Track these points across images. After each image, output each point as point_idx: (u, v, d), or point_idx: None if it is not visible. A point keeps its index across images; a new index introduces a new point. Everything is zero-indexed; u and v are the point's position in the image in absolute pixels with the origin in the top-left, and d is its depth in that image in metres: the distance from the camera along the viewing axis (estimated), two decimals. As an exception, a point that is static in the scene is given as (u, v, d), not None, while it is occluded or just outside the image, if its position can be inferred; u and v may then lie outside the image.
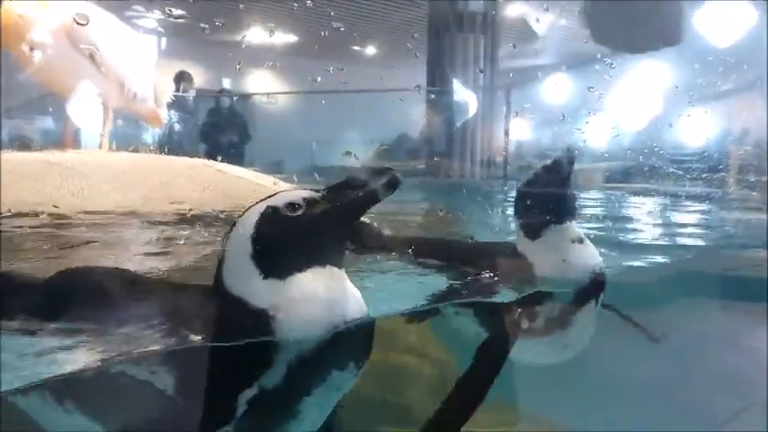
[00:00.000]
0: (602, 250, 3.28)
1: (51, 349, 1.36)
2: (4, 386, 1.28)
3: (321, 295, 1.33)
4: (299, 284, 1.32)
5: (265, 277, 1.32)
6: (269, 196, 1.41)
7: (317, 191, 1.39)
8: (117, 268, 1.79)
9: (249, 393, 1.29)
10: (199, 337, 1.32)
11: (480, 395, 1.90)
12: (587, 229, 3.84)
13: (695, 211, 5.12)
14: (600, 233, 3.77)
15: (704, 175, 5.19)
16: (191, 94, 7.37)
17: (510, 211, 2.42)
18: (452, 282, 2.12)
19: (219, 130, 7.66)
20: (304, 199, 1.37)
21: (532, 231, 2.11)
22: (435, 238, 2.74)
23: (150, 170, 3.53)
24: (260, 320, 1.30)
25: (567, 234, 2.10)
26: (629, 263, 3.13)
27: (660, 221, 4.90)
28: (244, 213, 1.38)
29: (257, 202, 1.39)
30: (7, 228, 2.43)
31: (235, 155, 7.52)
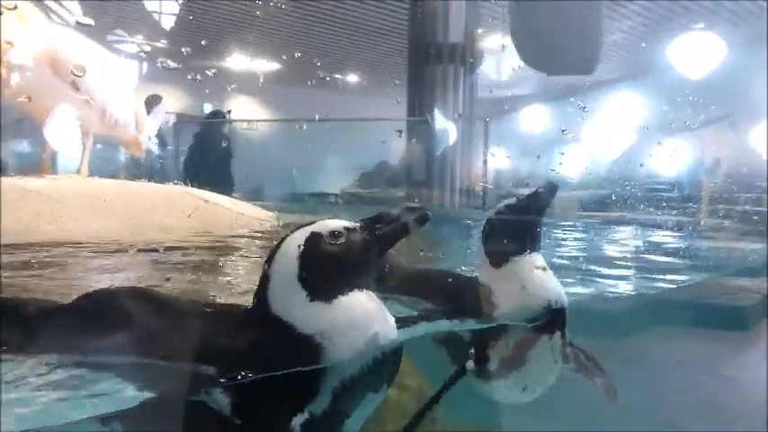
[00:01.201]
0: (577, 278, 3.32)
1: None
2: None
3: (364, 320, 1.42)
4: (343, 308, 1.41)
5: (312, 300, 1.40)
6: (309, 223, 1.51)
7: (354, 222, 1.51)
8: (143, 289, 1.81)
9: (300, 418, 1.36)
10: (247, 366, 1.38)
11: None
12: (560, 258, 3.90)
13: (669, 240, 5.21)
14: (574, 262, 3.82)
15: (677, 205, 5.31)
16: (169, 119, 7.36)
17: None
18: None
19: (208, 154, 7.64)
20: (345, 228, 1.47)
21: (498, 259, 2.09)
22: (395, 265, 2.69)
23: (130, 197, 3.50)
24: (307, 346, 1.38)
25: (530, 263, 2.07)
26: (605, 291, 3.16)
27: (635, 250, 4.97)
28: (284, 240, 1.48)
29: (296, 229, 1.50)
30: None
31: (223, 180, 7.50)
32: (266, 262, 1.48)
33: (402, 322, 1.68)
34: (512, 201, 2.15)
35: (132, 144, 4.69)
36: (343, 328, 1.39)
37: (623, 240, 5.43)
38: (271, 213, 4.20)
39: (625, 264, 4.13)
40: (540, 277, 2.04)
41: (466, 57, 8.65)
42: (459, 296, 2.13)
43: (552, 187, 2.12)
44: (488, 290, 2.05)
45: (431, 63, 8.50)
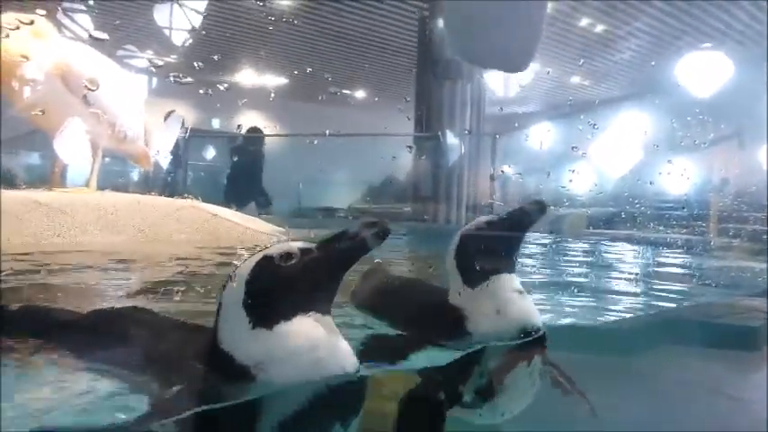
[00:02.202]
0: (583, 296, 3.30)
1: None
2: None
3: (304, 351, 1.33)
4: (284, 337, 1.33)
5: (254, 327, 1.34)
6: (266, 248, 1.44)
7: (313, 242, 1.43)
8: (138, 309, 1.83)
9: None
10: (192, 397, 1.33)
11: None
12: (568, 276, 3.87)
13: (678, 259, 5.18)
14: (582, 280, 3.80)
15: (686, 224, 5.28)
16: (185, 134, 7.41)
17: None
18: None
19: (251, 171, 7.67)
20: (299, 249, 1.40)
21: (474, 279, 1.94)
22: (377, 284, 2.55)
23: (138, 211, 3.52)
24: (242, 375, 1.30)
25: (507, 285, 1.94)
26: (611, 309, 3.14)
27: (642, 268, 4.94)
28: (240, 265, 1.41)
29: (255, 253, 1.43)
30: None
31: (262, 195, 7.54)
32: (221, 288, 1.42)
33: (377, 356, 1.64)
34: (492, 217, 2.02)
35: (141, 158, 4.73)
36: (281, 357, 1.32)
37: (631, 258, 5.40)
38: (279, 228, 4.21)
39: (632, 282, 4.11)
40: (517, 299, 1.91)
41: (474, 74, 8.69)
42: (435, 319, 1.99)
43: (541, 205, 1.98)
44: (460, 314, 1.91)
45: (439, 80, 8.54)
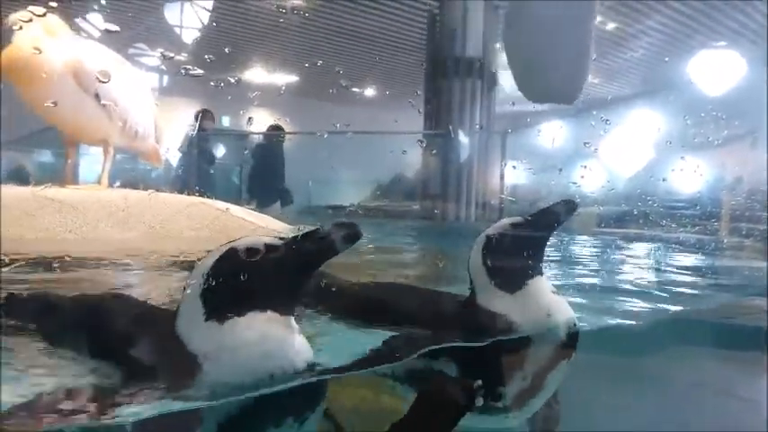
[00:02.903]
0: (594, 297, 3.28)
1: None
2: None
3: (251, 344, 1.31)
4: (232, 330, 1.31)
5: (207, 319, 1.33)
6: (236, 239, 1.42)
7: (281, 238, 1.40)
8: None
9: None
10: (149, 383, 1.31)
11: None
12: (578, 276, 3.86)
13: (689, 258, 5.15)
14: (592, 280, 3.79)
15: (698, 223, 5.24)
16: (210, 131, 7.48)
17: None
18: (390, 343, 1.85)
19: (267, 168, 7.72)
20: (265, 245, 1.37)
21: (511, 283, 1.89)
22: (386, 285, 2.40)
23: (149, 207, 3.54)
24: (190, 363, 1.29)
25: (546, 285, 1.91)
26: (622, 309, 3.12)
27: (653, 268, 4.92)
28: (207, 254, 1.41)
29: (224, 244, 1.41)
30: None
31: (278, 194, 7.58)
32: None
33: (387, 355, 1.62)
34: (517, 219, 1.96)
35: (152, 155, 4.74)
36: (226, 348, 1.30)
37: (641, 258, 5.37)
38: (288, 225, 4.22)
39: (643, 282, 4.09)
40: (558, 300, 1.90)
41: (484, 70, 8.67)
42: (452, 322, 1.93)
43: (571, 204, 1.93)
44: (504, 319, 1.85)
45: (449, 76, 8.52)
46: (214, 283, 1.35)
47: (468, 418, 1.84)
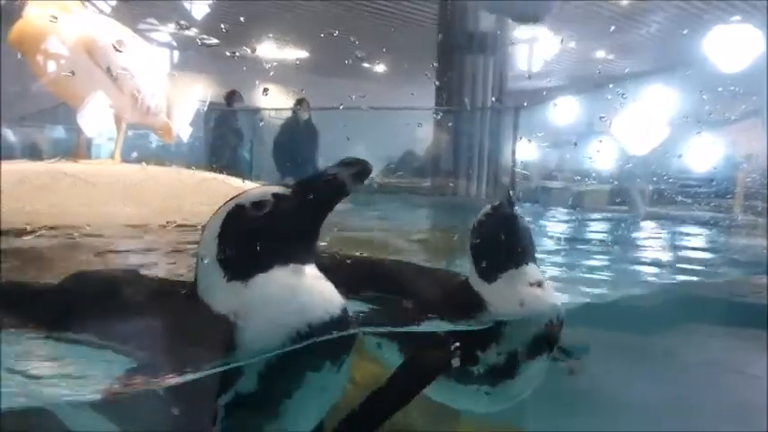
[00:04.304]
0: (605, 274, 3.29)
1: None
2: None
3: (282, 300, 1.28)
4: (261, 288, 1.28)
5: (229, 280, 1.30)
6: (239, 194, 1.37)
7: (287, 186, 1.35)
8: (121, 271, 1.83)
9: (226, 398, 1.28)
10: (176, 348, 1.29)
11: (382, 418, 1.74)
12: (588, 253, 3.85)
13: (701, 236, 5.13)
14: (603, 257, 3.79)
15: (711, 201, 5.21)
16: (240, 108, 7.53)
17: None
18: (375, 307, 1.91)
19: (293, 145, 7.73)
20: (273, 195, 1.32)
21: (488, 274, 1.91)
22: (375, 260, 2.42)
23: (162, 183, 3.56)
24: (222, 323, 1.26)
25: (525, 277, 1.91)
26: (634, 286, 3.13)
27: (666, 245, 4.90)
28: (213, 215, 1.36)
29: (227, 201, 1.36)
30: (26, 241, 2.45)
31: (306, 170, 7.58)
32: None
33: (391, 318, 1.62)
34: (488, 209, 1.95)
35: (164, 130, 4.75)
36: (257, 307, 1.26)
37: (653, 235, 5.35)
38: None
39: (655, 259, 4.08)
40: (538, 292, 1.89)
41: (496, 46, 8.57)
42: (451, 299, 1.97)
43: (509, 198, 1.92)
44: (482, 301, 1.89)
45: (460, 52, 8.44)
46: (228, 243, 1.31)
47: (445, 388, 1.92)
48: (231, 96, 7.44)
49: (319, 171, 1.35)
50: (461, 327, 1.89)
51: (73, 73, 3.88)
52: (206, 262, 1.32)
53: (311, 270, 1.34)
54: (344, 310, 1.36)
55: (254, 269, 1.29)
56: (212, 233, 1.32)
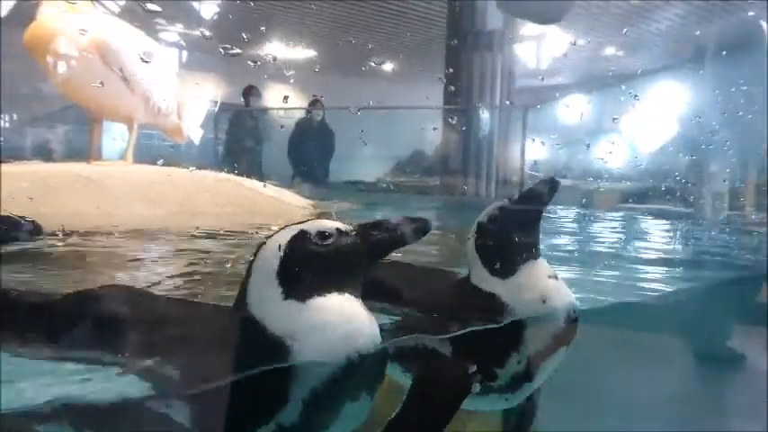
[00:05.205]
0: (616, 273, 3.27)
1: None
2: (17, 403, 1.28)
3: (338, 324, 1.35)
4: (318, 310, 1.35)
5: (286, 298, 1.35)
6: (303, 222, 1.46)
7: (349, 225, 1.46)
8: (130, 288, 1.80)
9: (266, 430, 1.31)
10: (215, 365, 1.32)
11: None
12: (598, 252, 3.84)
13: (712, 234, 5.10)
14: (612, 255, 3.77)
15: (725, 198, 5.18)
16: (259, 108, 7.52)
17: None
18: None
19: (308, 145, 7.72)
20: (337, 230, 1.41)
21: (503, 269, 1.85)
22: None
23: (174, 184, 3.57)
24: (276, 345, 1.31)
25: (543, 270, 1.86)
26: (646, 285, 3.12)
27: (678, 244, 4.88)
28: (273, 235, 1.43)
29: (289, 226, 1.45)
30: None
31: (320, 170, 7.59)
32: (252, 257, 1.44)
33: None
34: (504, 202, 1.90)
35: (175, 131, 4.78)
36: (313, 328, 1.33)
37: (664, 234, 5.33)
38: (309, 201, 4.24)
39: (665, 258, 4.07)
40: (556, 285, 1.85)
41: (505, 44, 8.54)
42: (456, 302, 1.91)
43: (552, 183, 1.87)
44: (499, 303, 1.82)
45: (469, 50, 8.42)
46: (291, 264, 1.37)
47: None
48: (249, 92, 7.41)
49: (382, 220, 1.48)
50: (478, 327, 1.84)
51: (83, 76, 3.90)
52: (260, 277, 1.40)
53: (360, 304, 1.42)
54: (382, 344, 1.43)
55: (313, 291, 1.36)
56: (274, 250, 1.40)
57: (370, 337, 1.38)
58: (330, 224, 1.43)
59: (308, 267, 1.38)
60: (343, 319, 1.35)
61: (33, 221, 1.67)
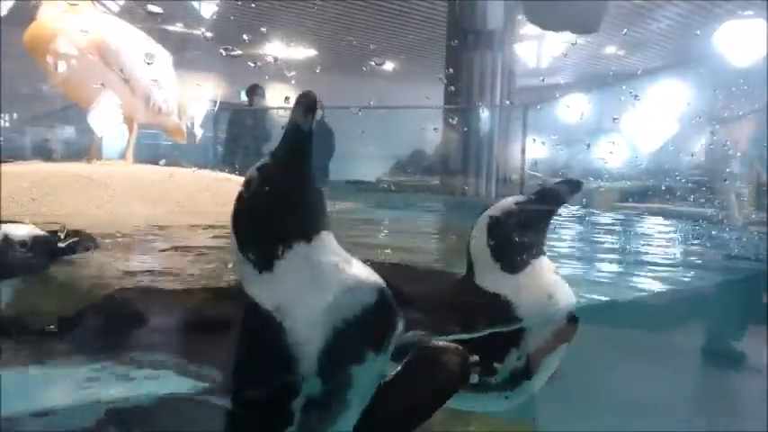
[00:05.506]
0: (618, 272, 3.27)
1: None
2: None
3: (311, 288, 1.25)
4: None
5: (260, 272, 1.26)
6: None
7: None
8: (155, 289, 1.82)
9: (299, 401, 1.27)
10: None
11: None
12: (601, 251, 3.84)
13: (714, 233, 5.10)
14: (616, 254, 3.77)
15: (726, 197, 5.17)
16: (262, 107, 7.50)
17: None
18: None
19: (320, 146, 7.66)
20: (256, 169, 1.28)
21: (516, 264, 1.85)
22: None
23: (175, 183, 3.57)
24: (272, 326, 1.23)
25: (549, 266, 1.86)
26: (647, 284, 3.12)
27: (678, 242, 4.88)
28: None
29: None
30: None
31: (320, 170, 7.54)
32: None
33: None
34: (521, 198, 1.91)
35: (175, 131, 4.77)
36: (294, 297, 1.23)
37: (665, 233, 5.33)
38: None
39: (667, 257, 4.07)
40: (560, 282, 1.85)
41: (505, 44, 8.55)
42: (458, 303, 1.89)
43: (575, 184, 1.87)
44: (504, 300, 1.82)
45: (469, 50, 8.42)
46: (242, 232, 1.29)
47: (460, 397, 1.81)
48: (253, 90, 7.38)
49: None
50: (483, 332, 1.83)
51: (83, 76, 3.90)
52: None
53: (327, 251, 1.29)
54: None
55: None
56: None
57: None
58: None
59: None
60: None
61: (90, 235, 1.83)
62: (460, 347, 1.71)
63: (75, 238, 1.88)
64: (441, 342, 1.80)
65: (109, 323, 1.51)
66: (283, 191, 1.25)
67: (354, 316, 1.27)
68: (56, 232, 1.88)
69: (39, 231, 1.79)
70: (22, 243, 1.74)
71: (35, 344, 1.48)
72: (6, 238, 1.72)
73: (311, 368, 1.27)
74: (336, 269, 1.27)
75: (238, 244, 1.28)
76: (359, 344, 1.30)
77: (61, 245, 1.85)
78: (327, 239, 1.29)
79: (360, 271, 1.31)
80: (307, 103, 1.23)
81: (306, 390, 1.28)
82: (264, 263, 1.25)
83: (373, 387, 1.38)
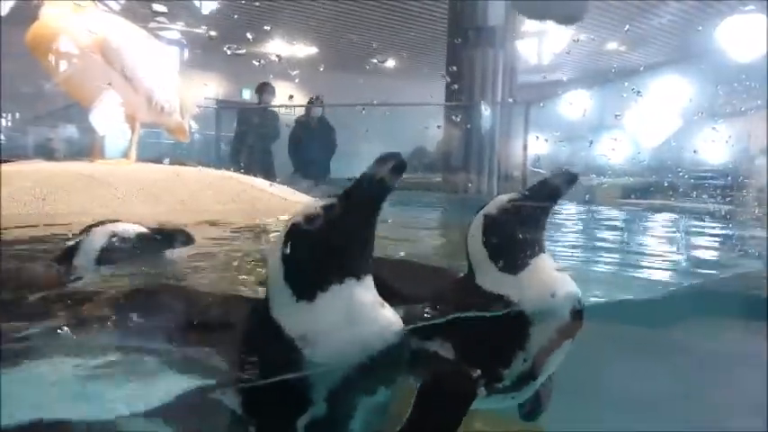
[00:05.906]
0: (620, 268, 3.26)
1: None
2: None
3: (344, 326, 1.28)
4: (324, 309, 1.29)
5: (297, 300, 1.29)
6: (292, 216, 1.36)
7: (334, 197, 1.33)
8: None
9: (305, 419, 1.30)
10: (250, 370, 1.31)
11: None
12: (602, 248, 3.83)
13: (715, 229, 5.09)
14: (617, 251, 3.77)
15: (725, 194, 5.17)
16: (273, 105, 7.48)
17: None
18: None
19: (309, 142, 7.67)
20: (322, 207, 1.29)
21: (514, 263, 1.78)
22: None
23: (178, 182, 3.58)
24: (291, 352, 1.27)
25: (550, 263, 1.79)
26: (649, 279, 3.11)
27: (680, 238, 4.88)
28: (278, 235, 1.36)
29: (286, 223, 1.37)
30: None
31: (321, 167, 7.56)
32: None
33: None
34: (514, 194, 1.82)
35: (178, 130, 4.78)
36: (323, 331, 1.26)
37: (667, 229, 5.33)
38: (312, 198, 4.23)
39: (668, 253, 4.06)
40: (564, 279, 1.79)
41: (507, 41, 8.54)
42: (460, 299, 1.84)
43: (570, 176, 1.79)
44: (507, 301, 1.76)
45: (471, 48, 8.41)
46: (292, 262, 1.30)
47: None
48: (263, 89, 7.35)
49: (360, 175, 1.32)
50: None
51: (85, 75, 3.91)
52: (274, 280, 1.33)
53: (368, 286, 1.34)
54: (401, 334, 1.36)
55: (317, 287, 1.30)
56: (276, 252, 1.33)
57: (382, 337, 1.32)
58: (314, 204, 1.31)
59: (305, 261, 1.30)
60: (348, 320, 1.29)
61: (185, 231, 1.90)
62: (464, 367, 1.75)
63: (173, 235, 1.99)
64: (445, 365, 1.78)
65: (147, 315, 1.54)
66: (351, 232, 1.31)
67: (380, 353, 1.30)
68: (157, 229, 2.01)
69: (142, 229, 1.93)
70: (127, 239, 1.88)
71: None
72: (115, 234, 1.87)
73: (322, 395, 1.30)
74: (373, 308, 1.32)
75: (285, 271, 1.30)
76: (374, 379, 1.34)
77: (161, 240, 1.96)
78: (370, 280, 1.34)
79: (391, 313, 1.35)
80: (396, 163, 1.28)
81: (312, 411, 1.31)
82: (308, 293, 1.29)
83: (376, 415, 1.39)
